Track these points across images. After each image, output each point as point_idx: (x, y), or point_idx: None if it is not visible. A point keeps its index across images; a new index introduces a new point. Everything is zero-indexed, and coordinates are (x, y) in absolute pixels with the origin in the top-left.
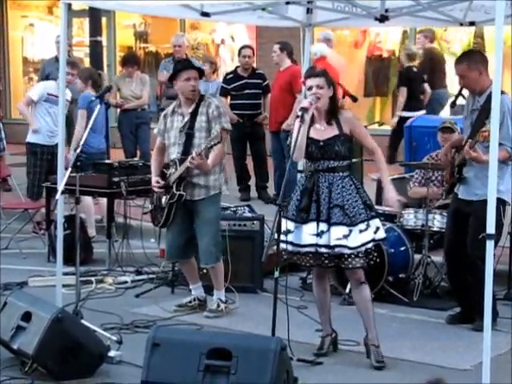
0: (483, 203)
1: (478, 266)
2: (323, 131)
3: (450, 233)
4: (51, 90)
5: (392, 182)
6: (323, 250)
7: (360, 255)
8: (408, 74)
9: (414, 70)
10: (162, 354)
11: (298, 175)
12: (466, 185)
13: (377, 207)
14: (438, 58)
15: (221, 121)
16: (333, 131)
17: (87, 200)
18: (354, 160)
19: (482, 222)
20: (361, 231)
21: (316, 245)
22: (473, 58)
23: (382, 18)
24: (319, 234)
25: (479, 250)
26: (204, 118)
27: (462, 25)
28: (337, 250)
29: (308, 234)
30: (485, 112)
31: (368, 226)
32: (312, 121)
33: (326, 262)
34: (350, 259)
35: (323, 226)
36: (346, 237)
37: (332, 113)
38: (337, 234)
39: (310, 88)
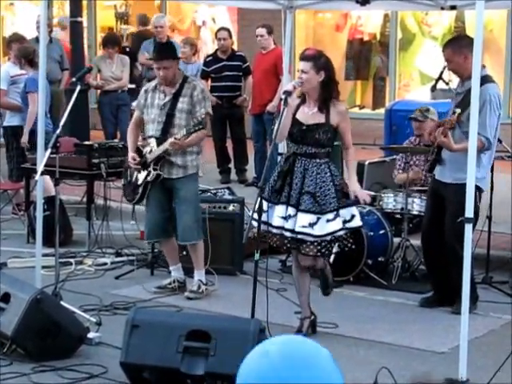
0: (457, 188)
1: (456, 250)
2: (310, 115)
3: (427, 215)
4: (12, 71)
5: (372, 165)
6: (288, 234)
7: (323, 244)
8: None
9: (127, 50)
10: (141, 335)
11: (279, 158)
12: (443, 166)
13: None
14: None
15: (206, 105)
16: (319, 118)
17: (46, 179)
18: (334, 143)
19: (457, 208)
20: (328, 221)
21: (282, 228)
22: (458, 42)
23: (364, 1)
24: (286, 218)
25: (456, 235)
26: (187, 99)
27: (443, 9)
28: (300, 236)
29: (277, 215)
30: (468, 97)
31: (337, 215)
32: (304, 101)
33: (289, 245)
34: (312, 246)
35: (291, 211)
36: (311, 225)
37: (324, 100)
38: (303, 221)
39: (299, 70)
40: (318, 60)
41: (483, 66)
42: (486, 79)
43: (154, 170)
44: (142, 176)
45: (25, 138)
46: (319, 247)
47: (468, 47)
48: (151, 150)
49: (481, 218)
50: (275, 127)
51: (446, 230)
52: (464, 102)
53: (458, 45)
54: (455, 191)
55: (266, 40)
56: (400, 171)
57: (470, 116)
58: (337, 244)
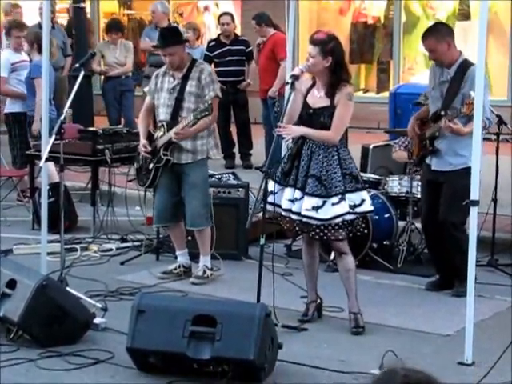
0: (458, 172)
1: (452, 232)
2: (317, 99)
3: (425, 203)
4: (12, 59)
5: (377, 148)
6: (294, 216)
7: (330, 227)
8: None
9: None
10: (146, 320)
11: (283, 142)
12: (439, 156)
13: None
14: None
15: (214, 87)
16: (325, 102)
17: (50, 165)
18: None
19: (457, 191)
20: (333, 204)
21: (290, 210)
22: (440, 31)
23: None
24: (293, 201)
25: (453, 217)
26: (195, 83)
27: None
28: (304, 220)
29: (285, 198)
30: (456, 83)
31: (342, 199)
32: (314, 84)
33: (297, 228)
34: (318, 230)
35: (297, 194)
36: (316, 208)
37: (331, 85)
38: (307, 204)
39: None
40: (326, 45)
41: (460, 52)
42: (469, 63)
43: (164, 155)
44: (152, 161)
45: (36, 126)
46: (326, 231)
47: (450, 35)
48: (163, 135)
49: (484, 200)
50: (283, 111)
51: (441, 214)
52: (453, 89)
53: (440, 34)
54: (456, 176)
55: (258, 31)
56: (402, 148)
57: (462, 100)
58: (349, 228)
